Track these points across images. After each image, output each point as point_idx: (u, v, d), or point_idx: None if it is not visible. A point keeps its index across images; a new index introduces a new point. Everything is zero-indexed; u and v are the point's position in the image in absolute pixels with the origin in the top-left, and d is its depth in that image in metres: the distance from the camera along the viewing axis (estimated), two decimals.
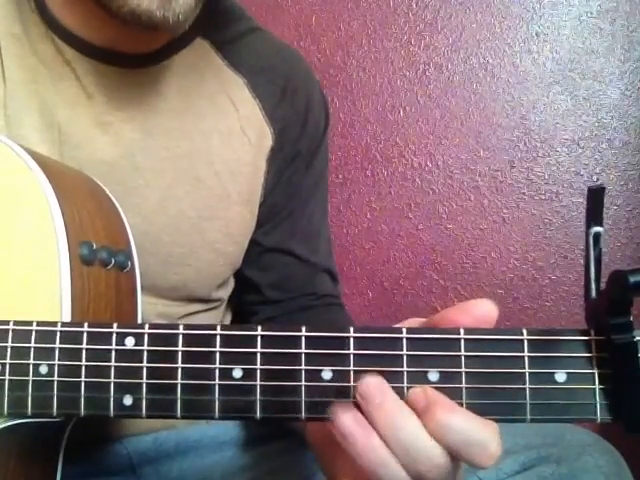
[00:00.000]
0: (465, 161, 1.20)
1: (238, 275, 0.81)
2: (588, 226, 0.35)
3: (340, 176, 1.21)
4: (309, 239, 0.81)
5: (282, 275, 0.80)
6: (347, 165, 1.21)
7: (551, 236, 1.19)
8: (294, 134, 0.76)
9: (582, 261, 1.18)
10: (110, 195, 0.61)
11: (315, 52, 1.20)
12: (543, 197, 1.19)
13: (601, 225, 0.35)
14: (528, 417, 0.40)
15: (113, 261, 0.55)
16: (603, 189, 0.35)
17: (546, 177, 1.19)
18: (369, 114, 1.21)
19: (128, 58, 0.66)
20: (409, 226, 1.21)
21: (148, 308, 0.66)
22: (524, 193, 1.19)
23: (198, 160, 0.70)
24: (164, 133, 0.68)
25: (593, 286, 0.36)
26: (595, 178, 1.18)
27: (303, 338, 0.42)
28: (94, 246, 0.53)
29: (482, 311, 0.40)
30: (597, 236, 0.35)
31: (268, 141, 0.73)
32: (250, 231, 0.76)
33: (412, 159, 1.21)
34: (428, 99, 1.20)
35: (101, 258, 0.53)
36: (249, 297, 0.82)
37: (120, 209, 0.60)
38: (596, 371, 0.39)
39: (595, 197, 0.35)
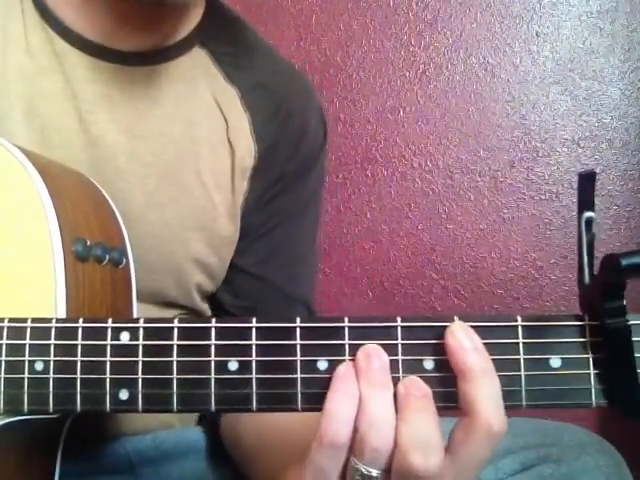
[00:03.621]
0: (465, 161, 1.20)
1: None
2: (580, 212, 0.35)
3: (340, 176, 1.21)
4: (289, 266, 0.77)
5: (254, 302, 0.76)
6: (347, 165, 1.22)
7: (551, 236, 1.19)
8: (283, 156, 0.73)
9: None
10: (104, 192, 0.60)
11: (315, 52, 1.20)
12: (543, 197, 1.19)
13: (593, 210, 0.35)
14: (524, 403, 0.40)
15: (107, 257, 0.54)
16: (594, 174, 0.35)
17: (546, 177, 1.19)
18: (369, 114, 1.21)
19: (122, 55, 0.65)
20: (409, 226, 1.22)
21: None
22: (524, 193, 1.19)
23: (185, 168, 0.68)
24: (152, 138, 0.67)
25: (586, 272, 0.36)
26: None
27: (298, 329, 0.42)
28: (88, 242, 0.53)
29: None
30: (589, 221, 0.35)
31: (250, 158, 0.71)
32: (233, 246, 0.73)
33: (412, 159, 1.21)
34: (428, 99, 1.20)
35: (95, 254, 0.53)
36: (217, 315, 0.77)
37: (114, 206, 0.60)
38: (591, 356, 0.39)
39: (586, 182, 0.35)
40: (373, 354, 0.41)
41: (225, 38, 0.72)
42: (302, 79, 0.80)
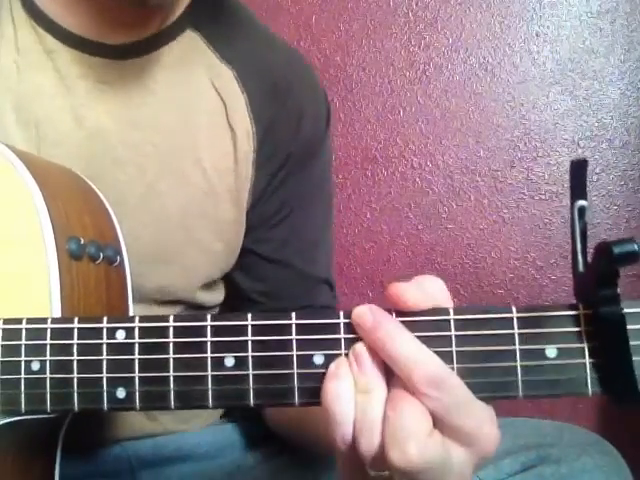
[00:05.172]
0: (465, 161, 1.20)
1: (228, 281, 0.78)
2: (572, 200, 0.35)
3: (340, 176, 1.21)
4: (307, 249, 0.77)
5: (275, 286, 0.77)
6: (347, 165, 1.22)
7: (551, 236, 1.19)
8: (284, 137, 0.72)
9: None
10: (97, 190, 0.60)
11: (315, 52, 1.20)
12: (543, 197, 1.19)
13: (585, 198, 0.35)
14: (520, 394, 0.39)
15: (102, 256, 0.54)
16: (585, 162, 0.35)
17: (546, 177, 1.19)
18: (369, 114, 1.21)
19: (113, 49, 0.64)
20: (409, 226, 1.21)
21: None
22: (524, 193, 1.19)
23: (184, 156, 0.68)
24: (149, 127, 0.66)
25: (580, 260, 0.36)
26: (595, 178, 1.18)
27: (294, 325, 0.42)
28: (82, 241, 0.53)
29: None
30: (582, 210, 0.35)
31: (249, 140, 0.70)
32: (240, 230, 0.73)
33: (412, 159, 1.21)
34: (428, 99, 1.20)
35: (90, 253, 0.53)
36: (238, 303, 0.79)
37: (107, 203, 0.59)
38: (586, 345, 0.39)
39: (578, 170, 0.35)
40: (363, 354, 0.40)
41: (218, 19, 0.70)
42: (300, 59, 0.79)
